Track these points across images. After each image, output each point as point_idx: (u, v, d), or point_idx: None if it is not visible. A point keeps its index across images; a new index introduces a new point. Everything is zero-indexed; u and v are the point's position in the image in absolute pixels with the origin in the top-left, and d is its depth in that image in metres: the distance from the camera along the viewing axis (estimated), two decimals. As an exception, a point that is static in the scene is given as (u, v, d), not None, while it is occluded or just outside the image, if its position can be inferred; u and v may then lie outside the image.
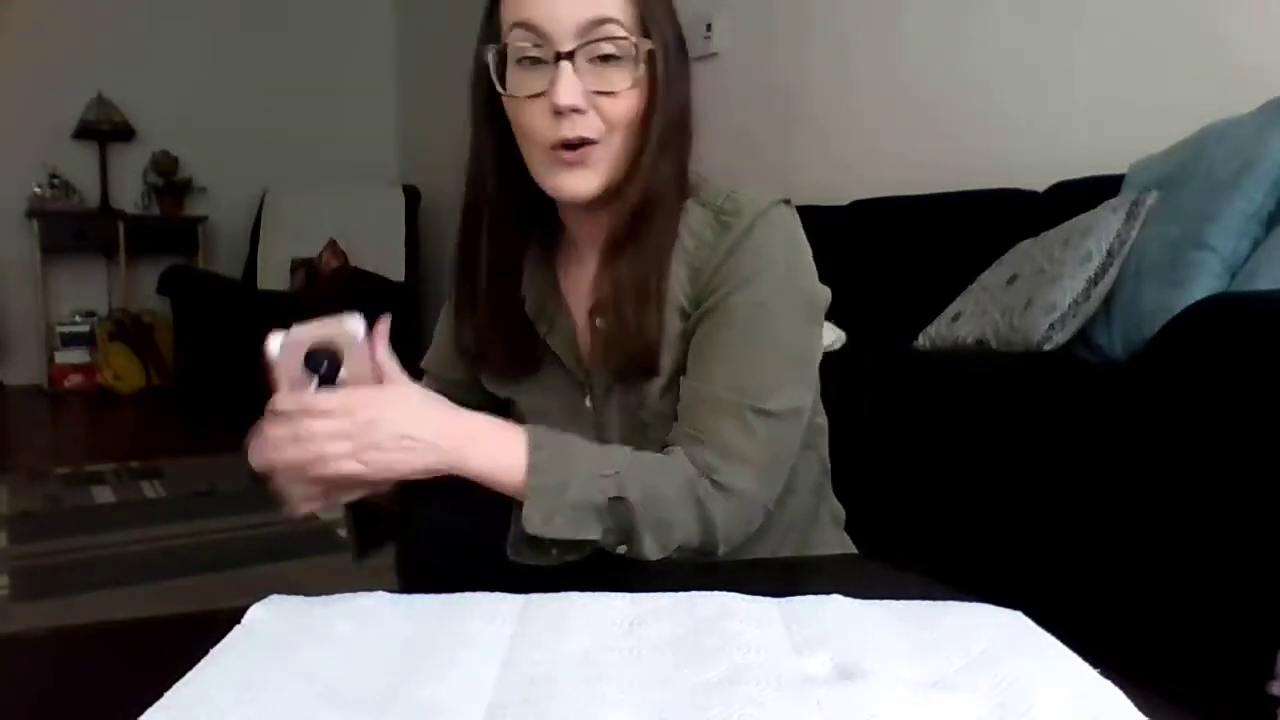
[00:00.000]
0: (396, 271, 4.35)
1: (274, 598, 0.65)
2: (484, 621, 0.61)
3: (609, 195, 0.80)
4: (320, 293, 4.09)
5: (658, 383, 0.83)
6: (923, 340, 1.93)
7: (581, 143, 0.77)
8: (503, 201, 0.85)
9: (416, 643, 0.58)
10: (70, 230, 4.47)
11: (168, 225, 4.71)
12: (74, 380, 4.50)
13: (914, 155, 2.63)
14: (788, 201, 0.83)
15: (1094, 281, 1.61)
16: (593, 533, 0.73)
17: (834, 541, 0.97)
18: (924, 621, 0.62)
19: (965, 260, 1.99)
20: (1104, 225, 1.65)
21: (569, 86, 0.75)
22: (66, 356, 4.52)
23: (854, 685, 0.52)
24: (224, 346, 3.69)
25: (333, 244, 4.28)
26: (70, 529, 2.32)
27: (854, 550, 0.97)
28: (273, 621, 0.61)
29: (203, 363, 3.73)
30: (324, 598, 0.66)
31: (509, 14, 0.78)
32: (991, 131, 2.44)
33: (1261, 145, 1.51)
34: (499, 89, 0.78)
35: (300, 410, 0.69)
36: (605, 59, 0.77)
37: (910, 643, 0.58)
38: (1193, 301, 1.24)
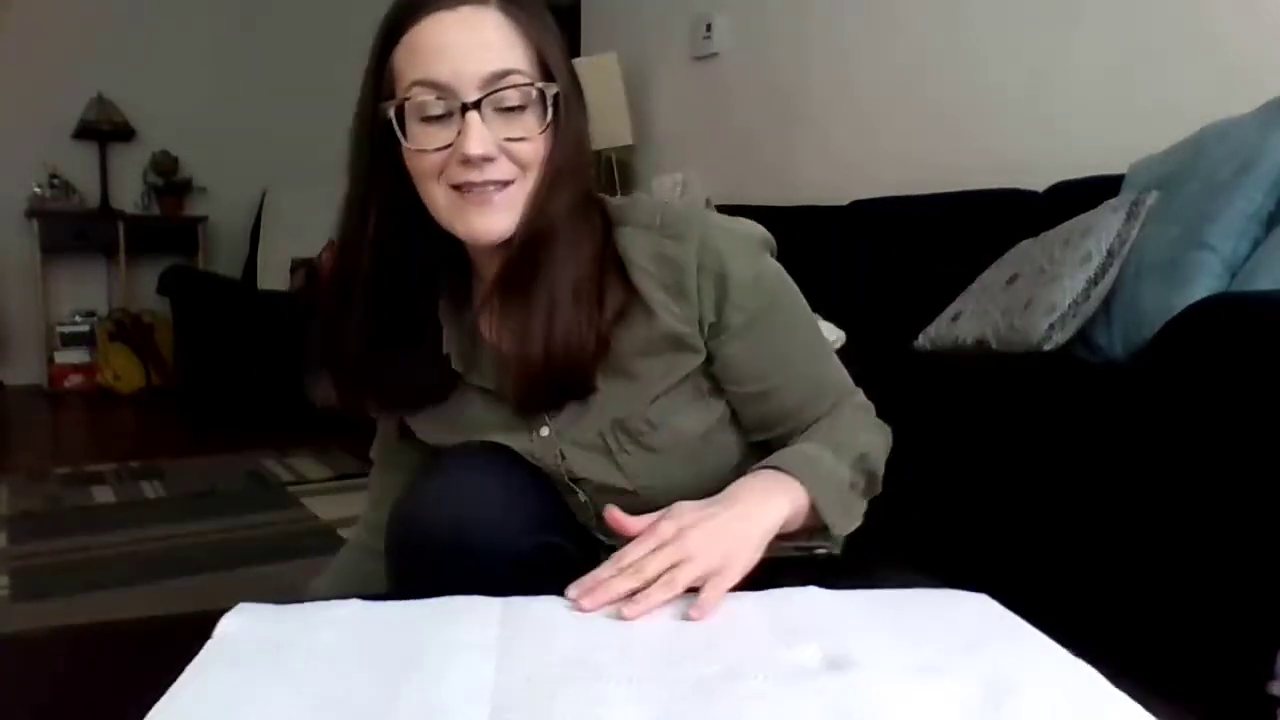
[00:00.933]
0: (396, 271, 4.35)
1: (242, 606, 0.64)
2: (468, 626, 0.61)
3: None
4: (320, 293, 4.08)
5: (647, 393, 0.84)
6: (923, 340, 1.93)
7: (491, 184, 0.77)
8: (384, 255, 0.83)
9: (404, 650, 0.58)
10: (70, 230, 4.46)
11: (168, 225, 4.71)
12: (74, 380, 4.50)
13: (914, 155, 2.63)
14: None
15: (1094, 281, 1.60)
16: (862, 501, 0.85)
17: None
18: (899, 610, 0.64)
19: (965, 260, 1.99)
20: (1104, 225, 1.65)
21: (478, 137, 0.74)
22: (66, 356, 4.52)
23: (847, 674, 0.53)
24: (224, 346, 3.69)
25: (333, 244, 4.26)
26: (70, 529, 2.32)
27: None
28: (247, 633, 0.61)
29: (203, 363, 3.73)
30: (294, 606, 0.65)
31: (408, 72, 0.76)
32: (992, 131, 2.44)
33: (1261, 145, 1.51)
34: (404, 142, 0.77)
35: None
36: (511, 108, 0.76)
37: (891, 631, 0.60)
38: (1193, 301, 1.24)
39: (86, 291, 4.67)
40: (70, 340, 4.54)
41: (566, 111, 0.80)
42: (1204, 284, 1.46)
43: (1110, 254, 1.61)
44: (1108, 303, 1.61)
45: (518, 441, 0.88)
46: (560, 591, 0.68)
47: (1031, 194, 2.14)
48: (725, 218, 0.86)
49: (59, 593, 1.89)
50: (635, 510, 0.86)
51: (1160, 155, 1.75)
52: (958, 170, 2.36)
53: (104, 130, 4.50)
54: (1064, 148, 2.18)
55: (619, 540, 0.91)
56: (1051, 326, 1.61)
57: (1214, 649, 1.06)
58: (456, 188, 0.77)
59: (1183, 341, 1.16)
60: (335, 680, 0.54)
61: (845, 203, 2.59)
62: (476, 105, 0.75)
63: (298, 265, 4.30)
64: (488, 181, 0.77)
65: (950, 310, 1.91)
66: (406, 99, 0.76)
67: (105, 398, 4.34)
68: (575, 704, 0.50)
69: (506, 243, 0.80)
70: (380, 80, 0.80)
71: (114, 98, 4.52)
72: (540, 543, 0.82)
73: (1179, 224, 1.55)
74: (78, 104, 4.44)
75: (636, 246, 0.83)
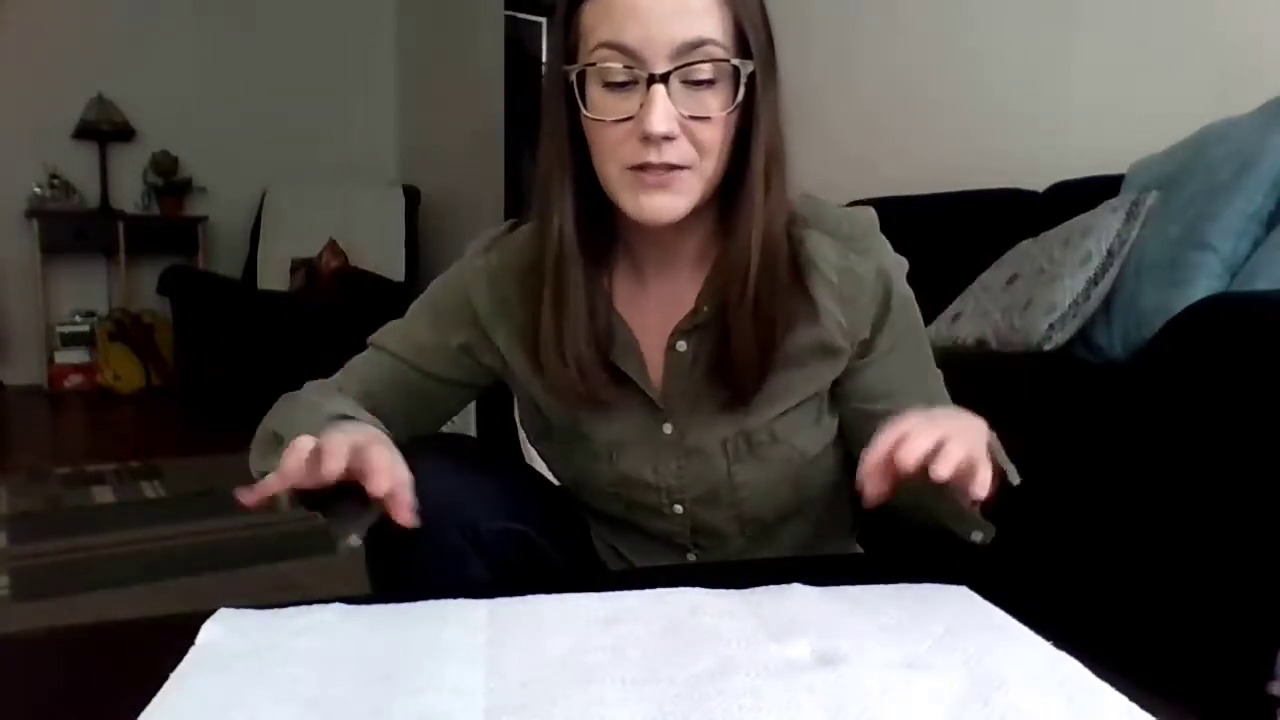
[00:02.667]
0: (396, 271, 4.35)
1: (223, 612, 0.64)
2: (456, 629, 0.61)
3: (690, 216, 0.77)
4: (320, 292, 4.09)
5: (780, 403, 0.82)
6: (923, 340, 1.93)
7: (669, 168, 0.73)
8: (579, 226, 0.78)
9: (391, 654, 0.57)
10: (70, 230, 4.46)
11: (168, 225, 4.70)
12: (74, 380, 4.50)
13: (914, 155, 2.63)
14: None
15: (1094, 281, 1.60)
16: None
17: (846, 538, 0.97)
18: (884, 605, 0.65)
19: (965, 260, 1.99)
20: (1104, 225, 1.65)
21: (662, 113, 0.70)
22: (66, 356, 4.52)
23: (837, 669, 0.54)
24: (224, 346, 3.69)
25: (333, 244, 4.27)
26: (70, 529, 2.32)
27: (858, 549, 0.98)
28: (231, 641, 0.60)
29: (203, 363, 3.73)
30: (275, 611, 0.65)
31: (596, 33, 0.71)
32: (991, 131, 2.44)
33: (1261, 145, 1.51)
34: (582, 110, 0.73)
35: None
36: (699, 81, 0.71)
37: (877, 626, 0.60)
38: (1193, 301, 1.24)
39: (86, 291, 4.67)
40: (70, 340, 4.53)
41: (766, 94, 0.76)
42: (1204, 284, 1.46)
43: (1110, 254, 1.61)
44: (1108, 303, 1.61)
45: (647, 433, 0.83)
46: (532, 584, 0.67)
47: (1031, 194, 2.14)
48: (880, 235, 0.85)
49: (59, 593, 1.89)
50: (729, 525, 0.86)
51: (1160, 155, 1.75)
52: (958, 170, 2.36)
53: (104, 130, 4.50)
54: (1064, 148, 2.18)
55: (629, 557, 0.91)
56: (1051, 326, 1.61)
57: (1214, 649, 1.06)
58: (636, 169, 0.73)
59: (1183, 341, 1.16)
60: (323, 688, 0.53)
61: (845, 202, 2.58)
62: (664, 78, 0.70)
63: (298, 265, 4.30)
64: (664, 165, 0.72)
65: (950, 310, 1.91)
66: (590, 64, 0.72)
67: (105, 398, 4.34)
68: (572, 705, 0.50)
69: (673, 224, 0.76)
70: (567, 35, 0.75)
71: (114, 98, 4.52)
72: (504, 528, 0.79)
73: (1179, 224, 1.55)
74: (78, 104, 4.44)
75: (823, 253, 0.80)
